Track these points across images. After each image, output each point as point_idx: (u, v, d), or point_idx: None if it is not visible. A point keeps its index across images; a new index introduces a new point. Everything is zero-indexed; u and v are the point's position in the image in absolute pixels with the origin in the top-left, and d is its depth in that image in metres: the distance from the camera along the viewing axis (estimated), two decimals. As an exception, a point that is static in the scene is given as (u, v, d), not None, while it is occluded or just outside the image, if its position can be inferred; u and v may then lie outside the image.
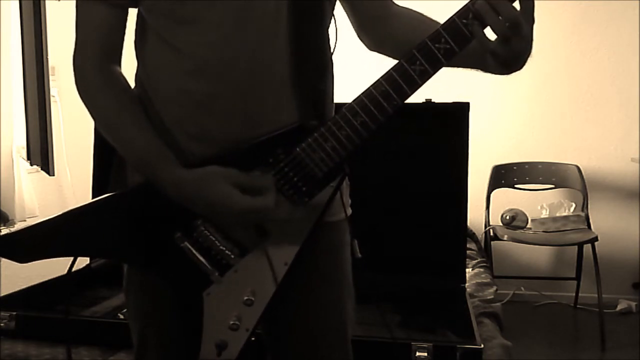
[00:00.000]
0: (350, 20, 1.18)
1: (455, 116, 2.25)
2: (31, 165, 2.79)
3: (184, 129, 1.03)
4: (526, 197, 3.60)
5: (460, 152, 2.25)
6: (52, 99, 2.77)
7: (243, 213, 0.96)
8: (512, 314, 3.09)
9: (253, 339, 1.05)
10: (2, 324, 1.78)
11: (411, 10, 1.16)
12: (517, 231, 3.44)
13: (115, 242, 1.04)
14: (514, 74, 1.03)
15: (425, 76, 0.97)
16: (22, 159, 2.82)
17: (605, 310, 3.25)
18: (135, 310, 1.15)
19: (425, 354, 1.61)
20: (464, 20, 0.95)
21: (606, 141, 3.63)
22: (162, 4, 1.01)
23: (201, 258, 1.01)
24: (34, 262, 1.01)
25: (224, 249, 1.02)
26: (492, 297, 2.29)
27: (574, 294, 3.63)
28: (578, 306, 3.62)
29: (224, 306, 1.03)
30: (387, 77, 0.98)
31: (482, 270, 2.64)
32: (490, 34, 0.96)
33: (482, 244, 3.35)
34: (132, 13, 1.06)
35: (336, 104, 1.10)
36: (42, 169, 2.70)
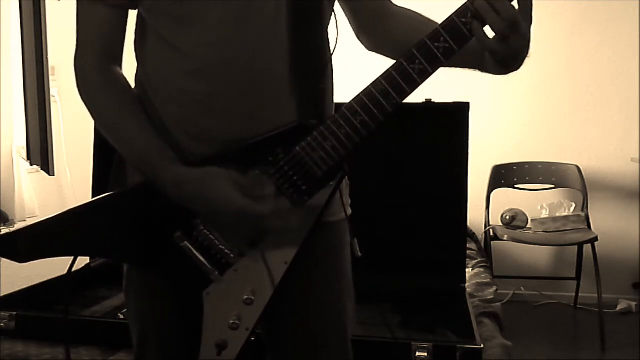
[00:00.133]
0: (349, 20, 1.18)
1: (455, 116, 2.25)
2: (31, 165, 2.79)
3: (184, 128, 1.03)
4: (526, 197, 3.60)
5: (460, 152, 2.25)
6: (52, 99, 2.78)
7: (240, 215, 0.96)
8: (512, 314, 3.09)
9: (253, 338, 1.05)
10: (2, 324, 1.78)
11: (410, 10, 1.16)
12: (517, 231, 3.44)
13: (115, 242, 1.04)
14: (513, 74, 1.03)
15: (424, 75, 0.97)
16: (22, 159, 2.82)
17: (605, 310, 3.25)
18: (135, 310, 1.15)
19: (425, 354, 1.61)
20: (463, 20, 0.95)
21: (606, 141, 3.63)
22: (162, 4, 1.01)
23: (201, 257, 1.01)
24: (34, 262, 1.01)
25: (224, 248, 1.02)
26: (492, 297, 2.29)
27: (574, 294, 3.63)
28: (578, 306, 3.62)
29: (224, 305, 1.03)
30: (387, 76, 0.98)
31: (482, 270, 2.64)
32: (489, 32, 0.96)
33: (482, 244, 3.35)
34: (132, 13, 1.06)
35: (336, 103, 1.10)
36: (42, 169, 2.70)
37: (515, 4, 0.95)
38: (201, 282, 1.03)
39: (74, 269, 1.12)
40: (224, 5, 0.98)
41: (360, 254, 1.11)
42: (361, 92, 0.99)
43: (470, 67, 1.07)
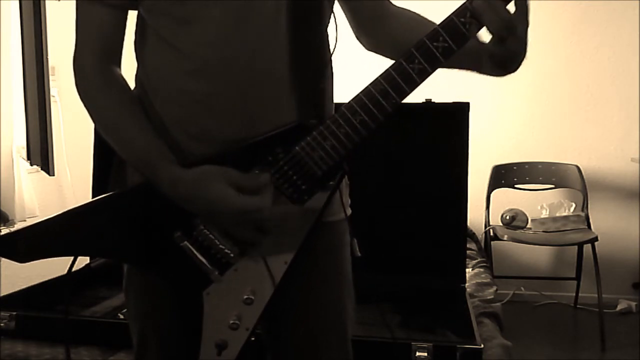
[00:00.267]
0: (348, 20, 1.18)
1: (455, 116, 2.25)
2: (31, 165, 2.79)
3: (183, 128, 1.03)
4: (526, 197, 3.60)
5: (460, 152, 2.25)
6: (52, 99, 2.77)
7: (239, 212, 0.96)
8: (512, 314, 3.09)
9: (253, 338, 1.05)
10: (2, 324, 1.78)
11: (409, 11, 1.16)
12: (517, 231, 3.44)
13: (115, 242, 1.04)
14: (513, 74, 1.03)
15: (423, 75, 0.97)
16: (22, 159, 2.82)
17: (605, 310, 3.25)
18: (135, 310, 1.15)
19: (425, 354, 1.61)
20: (462, 19, 0.95)
21: (606, 141, 3.63)
22: (161, 4, 1.01)
23: (201, 257, 1.01)
24: (34, 262, 1.01)
25: (224, 247, 1.02)
26: (492, 297, 2.30)
27: (574, 294, 3.64)
28: (578, 306, 3.62)
29: (223, 305, 1.03)
30: (386, 75, 0.98)
31: (482, 270, 2.64)
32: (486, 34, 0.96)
33: (482, 244, 3.35)
34: (132, 13, 1.06)
35: (336, 103, 1.10)
36: (42, 169, 2.70)
37: (513, 5, 0.95)
38: (201, 282, 1.03)
39: (74, 269, 1.12)
40: (224, 5, 0.99)
41: (360, 254, 1.11)
42: (360, 92, 0.99)
43: (467, 69, 1.07)
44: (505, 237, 3.32)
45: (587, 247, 3.35)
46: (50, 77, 2.67)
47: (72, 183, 3.11)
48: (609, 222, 3.58)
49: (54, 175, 2.72)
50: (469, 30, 0.95)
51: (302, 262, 1.06)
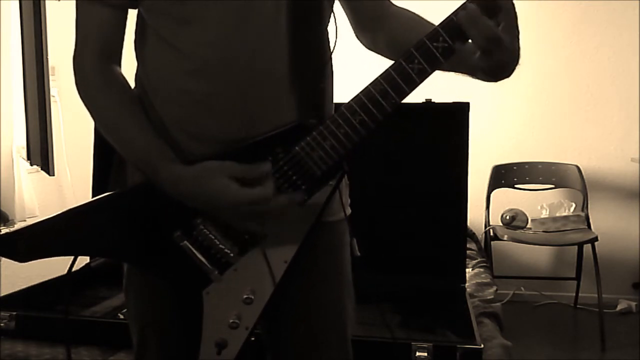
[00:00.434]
0: (348, 20, 1.18)
1: (455, 116, 2.25)
2: (31, 165, 2.79)
3: (184, 128, 1.03)
4: (526, 197, 3.60)
5: (460, 152, 2.25)
6: (52, 99, 2.78)
7: (242, 205, 0.96)
8: (512, 314, 3.09)
9: (253, 338, 1.05)
10: (2, 324, 1.78)
11: (409, 11, 1.16)
12: (517, 231, 3.44)
13: (115, 241, 1.04)
14: (513, 74, 1.03)
15: (423, 75, 0.97)
16: (22, 159, 2.82)
17: (605, 310, 3.25)
18: (135, 310, 1.15)
19: (425, 354, 1.61)
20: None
21: (606, 141, 3.63)
22: (161, 4, 1.01)
23: (201, 257, 1.02)
24: (34, 262, 1.01)
25: (224, 247, 1.02)
26: (492, 297, 2.29)
27: (574, 294, 3.64)
28: (578, 306, 3.62)
29: (223, 305, 1.03)
30: (386, 75, 0.97)
31: (482, 270, 2.64)
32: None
33: (482, 244, 3.35)
34: (132, 13, 1.06)
35: (336, 103, 1.10)
36: (42, 169, 2.70)
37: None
38: (201, 282, 1.03)
39: (74, 269, 1.12)
40: (224, 6, 0.99)
41: (359, 254, 1.11)
42: (360, 92, 0.98)
43: (462, 73, 1.06)
44: (505, 237, 3.32)
45: (587, 247, 3.35)
46: (50, 77, 2.67)
47: (72, 183, 3.11)
48: (609, 222, 3.58)
49: (54, 175, 2.72)
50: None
51: (302, 262, 1.06)
